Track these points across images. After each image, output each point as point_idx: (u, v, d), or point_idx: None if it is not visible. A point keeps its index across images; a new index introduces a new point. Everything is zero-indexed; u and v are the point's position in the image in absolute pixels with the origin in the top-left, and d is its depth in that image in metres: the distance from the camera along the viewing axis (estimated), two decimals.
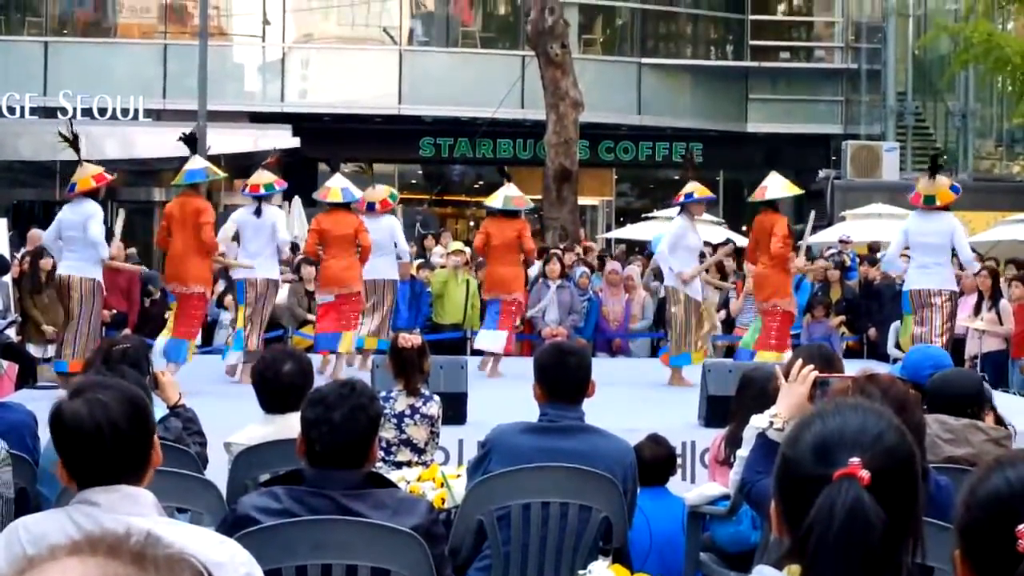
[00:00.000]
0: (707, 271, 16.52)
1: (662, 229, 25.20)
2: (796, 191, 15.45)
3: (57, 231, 13.43)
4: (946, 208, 13.79)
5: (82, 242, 13.12)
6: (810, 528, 2.43)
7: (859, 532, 2.40)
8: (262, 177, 14.73)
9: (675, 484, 8.32)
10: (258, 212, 14.52)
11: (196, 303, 13.93)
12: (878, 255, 20.02)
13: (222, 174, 14.67)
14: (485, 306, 16.37)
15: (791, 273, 14.81)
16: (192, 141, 14.30)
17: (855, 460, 2.46)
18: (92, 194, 13.34)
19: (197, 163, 14.02)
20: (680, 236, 14.82)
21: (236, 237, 15.16)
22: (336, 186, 15.34)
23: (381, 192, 16.14)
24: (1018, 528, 2.34)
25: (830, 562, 2.40)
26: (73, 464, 3.64)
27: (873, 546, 2.40)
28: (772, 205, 14.59)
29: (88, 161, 13.66)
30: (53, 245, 13.86)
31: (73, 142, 13.47)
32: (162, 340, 13.66)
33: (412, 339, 8.01)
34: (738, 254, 19.15)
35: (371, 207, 15.81)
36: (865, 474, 2.44)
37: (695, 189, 14.92)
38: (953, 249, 13.90)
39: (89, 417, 3.59)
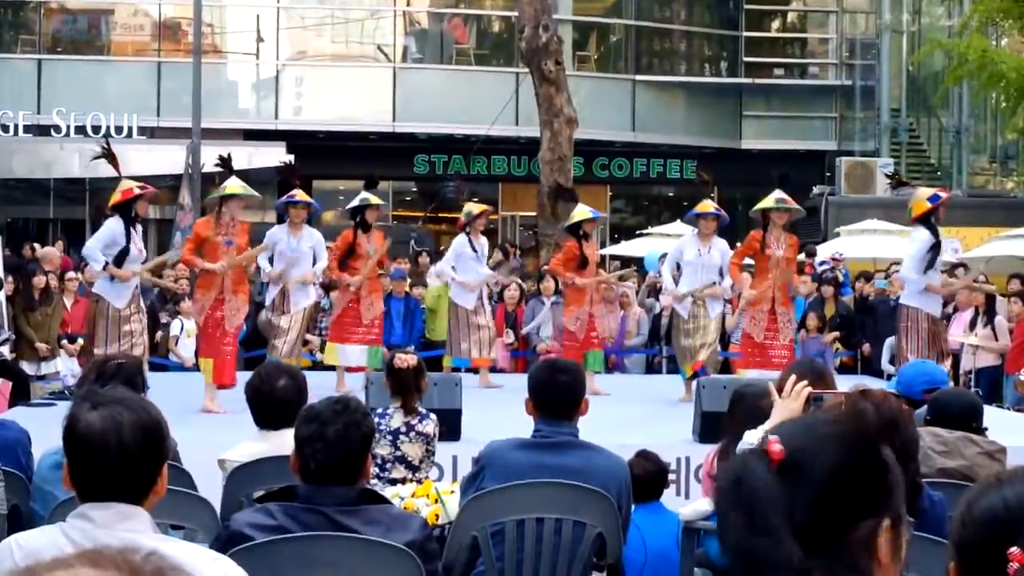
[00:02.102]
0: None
1: (657, 246, 25.32)
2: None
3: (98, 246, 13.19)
4: (925, 219, 13.60)
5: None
6: None
7: (745, 499, 2.38)
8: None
9: (670, 500, 8.32)
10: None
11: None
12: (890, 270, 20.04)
13: (257, 195, 14.66)
14: None
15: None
16: (228, 163, 14.25)
17: (772, 437, 2.40)
18: (123, 209, 13.12)
19: (235, 184, 13.92)
20: (678, 252, 14.95)
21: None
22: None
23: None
24: (1010, 551, 2.33)
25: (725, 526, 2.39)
26: (76, 474, 3.63)
27: (760, 519, 2.36)
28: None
29: (128, 177, 13.49)
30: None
31: (110, 158, 13.37)
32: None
33: (408, 359, 8.02)
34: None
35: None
36: (777, 448, 2.37)
37: (701, 206, 15.01)
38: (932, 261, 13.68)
39: (101, 433, 3.56)
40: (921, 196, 13.76)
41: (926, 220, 13.54)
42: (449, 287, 16.54)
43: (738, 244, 15.95)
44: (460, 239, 16.42)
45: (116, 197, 13.14)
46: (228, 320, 13.54)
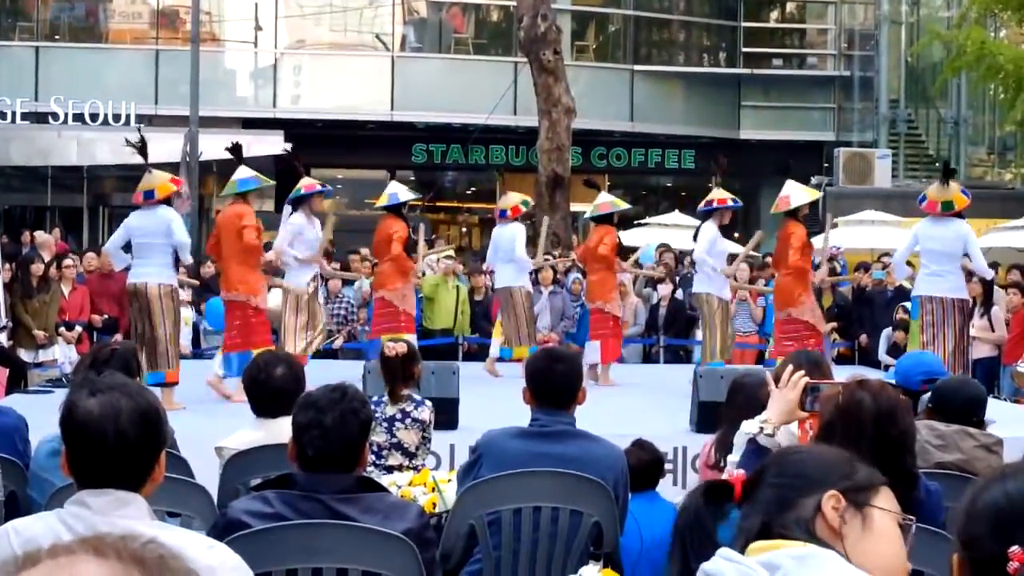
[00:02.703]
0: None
1: (655, 236, 25.32)
2: (816, 195, 15.36)
3: (125, 239, 13.01)
4: (959, 214, 13.64)
5: (160, 249, 12.73)
6: None
7: None
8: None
9: (667, 490, 8.33)
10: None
11: (240, 312, 13.58)
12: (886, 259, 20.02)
13: (271, 181, 14.64)
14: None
15: (807, 284, 14.66)
16: (238, 151, 14.17)
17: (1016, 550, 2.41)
18: (166, 200, 12.95)
19: (245, 172, 13.86)
20: (713, 241, 14.91)
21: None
22: (387, 191, 15.77)
23: (513, 199, 16.61)
24: (1011, 550, 2.35)
25: None
26: (74, 461, 3.63)
27: None
28: (793, 214, 14.46)
29: (155, 166, 13.31)
30: (116, 254, 13.54)
31: (141, 148, 13.24)
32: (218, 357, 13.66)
33: (397, 347, 8.04)
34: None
35: (503, 214, 16.40)
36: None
37: (717, 197, 14.99)
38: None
39: (98, 419, 3.56)
40: (955, 189, 13.71)
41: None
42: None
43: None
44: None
45: (169, 188, 12.95)
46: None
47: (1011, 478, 2.53)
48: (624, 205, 16.35)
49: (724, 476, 2.63)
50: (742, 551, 2.57)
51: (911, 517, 2.76)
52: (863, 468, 2.77)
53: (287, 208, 14.66)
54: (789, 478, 2.74)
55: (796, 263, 14.17)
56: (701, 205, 15.38)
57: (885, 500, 2.72)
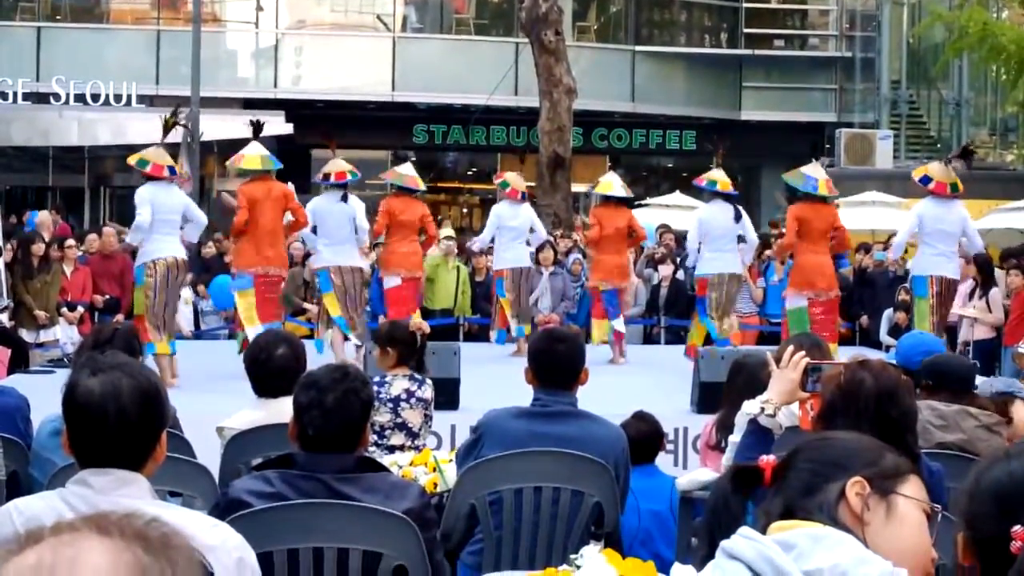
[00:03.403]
0: None
1: (656, 217, 25.30)
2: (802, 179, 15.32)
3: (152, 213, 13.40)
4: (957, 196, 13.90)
5: (176, 224, 13.61)
6: None
7: None
8: (343, 165, 14.93)
9: (667, 470, 8.34)
10: (344, 199, 14.68)
11: (276, 286, 14.42)
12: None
13: (279, 165, 14.87)
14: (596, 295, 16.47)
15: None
16: (259, 127, 14.46)
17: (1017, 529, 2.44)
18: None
19: (258, 148, 14.15)
20: (705, 222, 15.14)
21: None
22: (405, 172, 15.82)
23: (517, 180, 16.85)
24: (1014, 529, 2.36)
25: None
26: (75, 440, 3.63)
27: None
28: (792, 194, 14.66)
29: (160, 145, 13.91)
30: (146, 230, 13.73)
31: (171, 127, 13.69)
32: (252, 330, 13.71)
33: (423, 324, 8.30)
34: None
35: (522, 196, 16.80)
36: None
37: (718, 179, 15.02)
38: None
39: (100, 398, 3.56)
40: (953, 172, 13.91)
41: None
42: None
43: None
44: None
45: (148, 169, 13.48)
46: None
47: (1015, 457, 2.54)
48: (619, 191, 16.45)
49: (724, 459, 2.63)
50: (763, 532, 2.57)
51: (938, 506, 2.76)
52: (891, 455, 2.75)
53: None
54: (818, 464, 2.73)
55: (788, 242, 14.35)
56: (703, 183, 15.44)
57: (913, 488, 2.71)
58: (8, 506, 3.72)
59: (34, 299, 16.48)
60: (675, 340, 19.37)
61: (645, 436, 7.63)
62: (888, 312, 18.10)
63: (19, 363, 14.12)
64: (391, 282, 15.28)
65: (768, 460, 2.74)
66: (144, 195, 13.37)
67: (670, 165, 40.41)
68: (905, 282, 16.42)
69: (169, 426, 6.67)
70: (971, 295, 17.13)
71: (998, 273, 17.42)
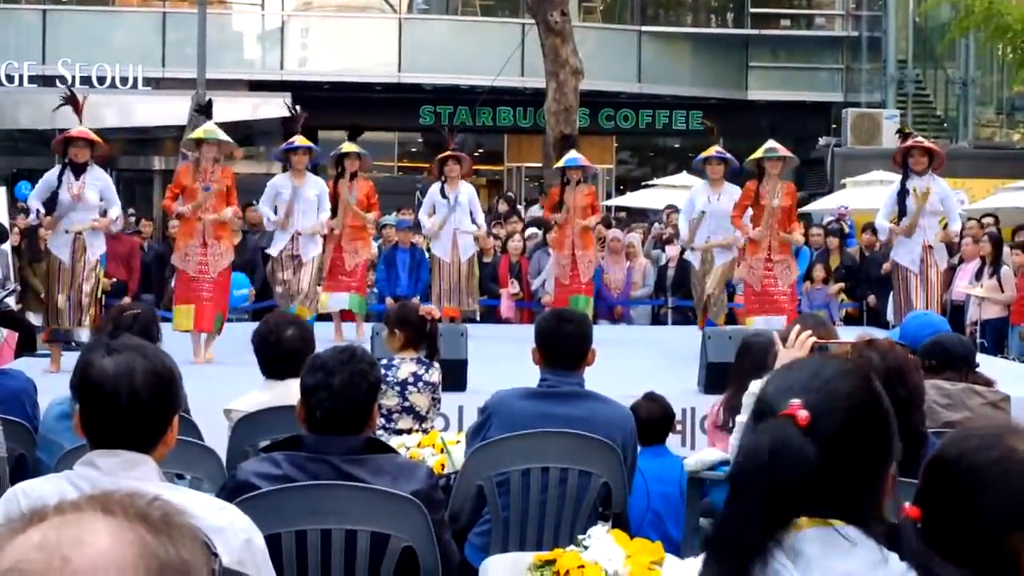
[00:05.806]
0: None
1: (662, 197, 25.32)
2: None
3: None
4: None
5: None
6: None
7: (782, 469, 2.41)
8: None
9: (676, 450, 8.34)
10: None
11: None
12: None
13: (228, 140, 14.85)
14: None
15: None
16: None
17: (795, 401, 2.49)
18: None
19: (205, 128, 14.19)
20: (690, 203, 15.39)
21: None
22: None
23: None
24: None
25: (750, 496, 2.42)
26: (87, 420, 3.63)
27: (796, 486, 2.40)
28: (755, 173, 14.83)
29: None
30: None
31: (73, 103, 13.54)
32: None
33: (432, 310, 8.29)
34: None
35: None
36: (803, 414, 2.47)
37: (705, 151, 15.29)
38: None
39: (112, 378, 3.56)
40: None
41: None
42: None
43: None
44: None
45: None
46: (211, 266, 13.64)
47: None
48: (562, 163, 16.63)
49: (732, 440, 2.62)
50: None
51: None
52: None
53: None
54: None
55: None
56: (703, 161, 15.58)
57: None
58: (15, 488, 3.73)
59: (41, 283, 16.48)
60: (682, 320, 19.36)
61: (656, 417, 7.64)
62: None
63: (27, 347, 14.13)
64: None
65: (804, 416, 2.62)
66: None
67: (676, 145, 40.32)
68: None
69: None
70: (979, 274, 17.12)
71: (1006, 252, 17.40)
